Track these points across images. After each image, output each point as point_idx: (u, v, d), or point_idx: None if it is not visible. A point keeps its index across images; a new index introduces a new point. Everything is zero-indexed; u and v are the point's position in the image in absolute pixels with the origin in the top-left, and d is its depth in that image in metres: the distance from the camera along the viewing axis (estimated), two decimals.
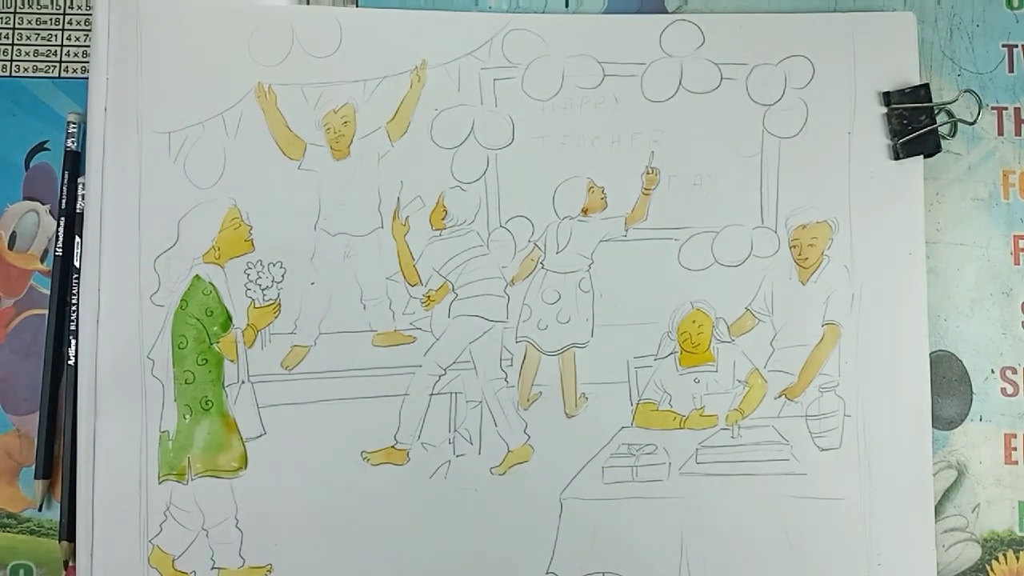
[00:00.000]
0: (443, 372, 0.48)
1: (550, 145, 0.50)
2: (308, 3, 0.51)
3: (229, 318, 0.48)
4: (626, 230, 0.49)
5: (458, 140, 0.49)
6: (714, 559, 0.48)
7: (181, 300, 0.48)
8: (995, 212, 0.51)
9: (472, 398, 0.48)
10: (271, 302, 0.48)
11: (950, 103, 0.51)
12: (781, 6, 0.51)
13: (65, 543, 0.47)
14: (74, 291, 0.48)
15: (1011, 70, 0.52)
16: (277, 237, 0.48)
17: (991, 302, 0.51)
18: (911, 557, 0.48)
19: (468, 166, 0.49)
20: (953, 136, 0.51)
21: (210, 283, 0.48)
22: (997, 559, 0.49)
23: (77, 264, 0.48)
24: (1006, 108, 0.51)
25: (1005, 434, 0.50)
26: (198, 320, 0.48)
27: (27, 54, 0.51)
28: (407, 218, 0.49)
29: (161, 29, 0.49)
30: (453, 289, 0.49)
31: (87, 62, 0.49)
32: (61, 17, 0.51)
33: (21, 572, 0.48)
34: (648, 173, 0.50)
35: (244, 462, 0.47)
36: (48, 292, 0.49)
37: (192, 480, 0.47)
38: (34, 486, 0.48)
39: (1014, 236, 0.51)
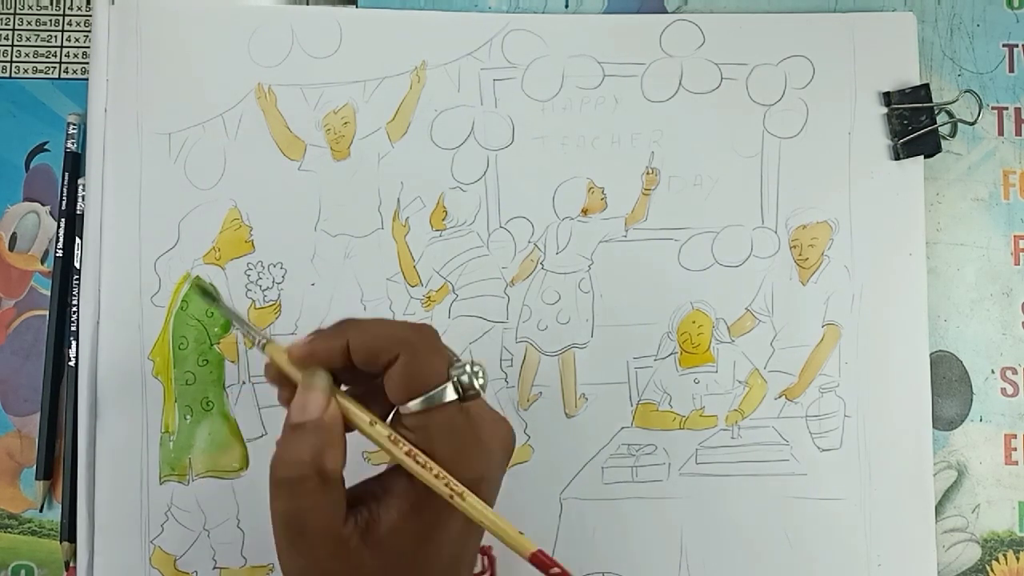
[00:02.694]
0: None
1: (550, 145, 0.50)
2: (308, 3, 0.51)
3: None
4: (626, 230, 0.49)
5: (458, 141, 0.49)
6: (714, 559, 0.48)
7: (182, 301, 0.48)
8: (995, 212, 0.51)
9: None
10: (272, 303, 0.48)
11: (950, 103, 0.51)
12: (781, 6, 0.51)
13: (66, 544, 0.47)
14: (75, 292, 0.48)
15: (1011, 70, 0.52)
16: (277, 238, 0.48)
17: (991, 302, 0.51)
18: (911, 557, 0.48)
19: (468, 167, 0.49)
20: (953, 136, 0.51)
21: (211, 284, 0.48)
22: (997, 559, 0.49)
23: (77, 265, 0.48)
24: (1006, 108, 0.51)
25: (1005, 434, 0.50)
26: (199, 321, 0.48)
27: (27, 55, 0.51)
28: (407, 219, 0.49)
29: (161, 29, 0.49)
30: (453, 290, 0.49)
31: (87, 62, 0.49)
32: (61, 17, 0.51)
33: (22, 573, 0.48)
34: (648, 173, 0.50)
35: (245, 462, 0.47)
36: (49, 293, 0.49)
37: (193, 480, 0.47)
38: (35, 487, 0.48)
39: (1014, 236, 0.51)
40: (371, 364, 0.34)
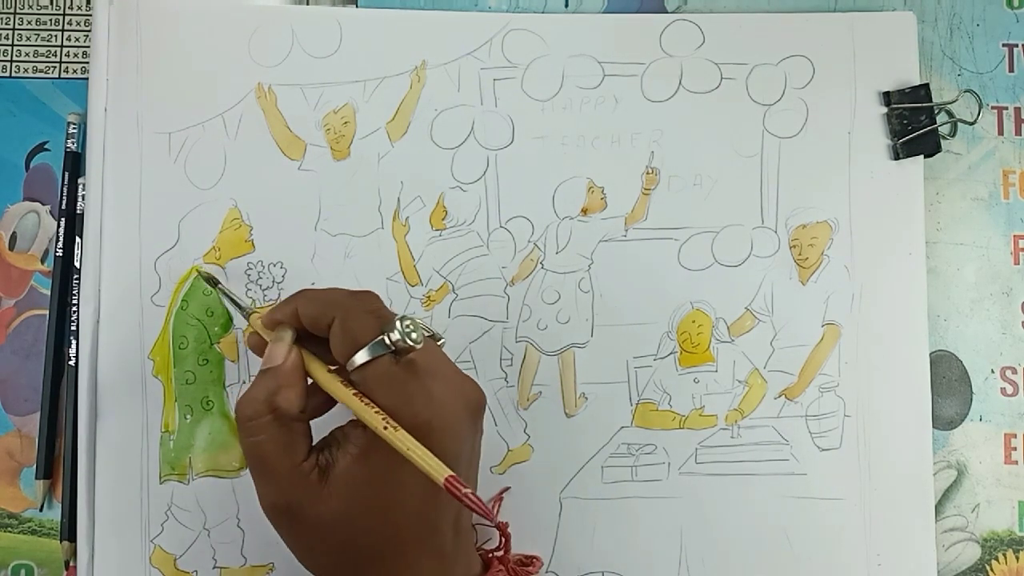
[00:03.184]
0: None
1: (550, 145, 0.50)
2: (308, 3, 0.51)
3: (230, 318, 0.48)
4: (626, 230, 0.49)
5: (458, 140, 0.49)
6: (714, 559, 0.48)
7: (182, 301, 0.48)
8: (995, 212, 0.51)
9: None
10: (272, 302, 0.48)
11: (950, 103, 0.51)
12: (781, 6, 0.51)
13: (66, 543, 0.47)
14: (75, 292, 0.48)
15: (1011, 70, 0.52)
16: (277, 237, 0.48)
17: (991, 302, 0.51)
18: (911, 557, 0.48)
19: (468, 166, 0.49)
20: (953, 136, 0.51)
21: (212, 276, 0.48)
22: (997, 559, 0.49)
23: (77, 265, 0.48)
24: (1006, 108, 0.51)
25: (1005, 434, 0.50)
26: (199, 321, 0.48)
27: (27, 54, 0.51)
28: (407, 218, 0.49)
29: (161, 29, 0.49)
30: (453, 289, 0.49)
31: (87, 62, 0.49)
32: (61, 17, 0.52)
33: (22, 572, 0.48)
34: (648, 173, 0.50)
35: (245, 462, 0.47)
36: (49, 293, 0.49)
37: (193, 480, 0.47)
38: (35, 486, 0.48)
39: (1014, 236, 0.51)
40: (317, 327, 0.38)
